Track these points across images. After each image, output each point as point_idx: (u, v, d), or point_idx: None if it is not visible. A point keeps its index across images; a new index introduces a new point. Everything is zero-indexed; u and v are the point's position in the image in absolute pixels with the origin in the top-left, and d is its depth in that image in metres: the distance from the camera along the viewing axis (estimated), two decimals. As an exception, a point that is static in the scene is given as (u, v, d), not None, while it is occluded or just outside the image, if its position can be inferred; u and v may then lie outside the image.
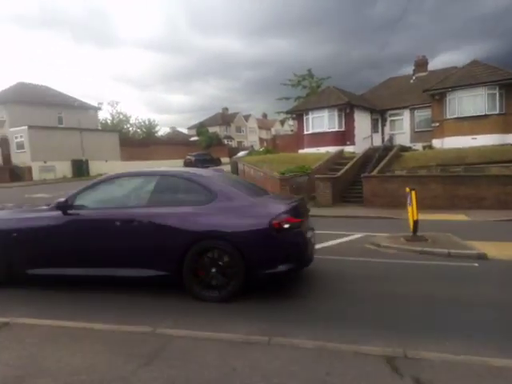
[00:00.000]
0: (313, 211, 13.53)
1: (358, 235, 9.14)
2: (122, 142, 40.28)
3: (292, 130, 48.21)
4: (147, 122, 64.08)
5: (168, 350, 3.36)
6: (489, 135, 19.45)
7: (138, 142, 46.07)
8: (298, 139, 26.46)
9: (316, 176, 15.84)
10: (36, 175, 32.02)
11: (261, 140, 68.15)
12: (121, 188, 5.57)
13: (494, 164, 15.07)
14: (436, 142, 21.96)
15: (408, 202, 8.17)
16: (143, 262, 4.86)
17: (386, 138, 26.05)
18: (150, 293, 5.09)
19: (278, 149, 30.91)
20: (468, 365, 3.09)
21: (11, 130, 33.48)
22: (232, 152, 46.32)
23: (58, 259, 5.17)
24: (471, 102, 20.58)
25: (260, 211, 4.73)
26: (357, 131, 24.00)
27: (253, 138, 71.73)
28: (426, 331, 3.94)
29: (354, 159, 18.35)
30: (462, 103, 20.85)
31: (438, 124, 21.93)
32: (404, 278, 6.00)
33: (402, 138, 25.20)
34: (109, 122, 60.31)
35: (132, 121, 64.24)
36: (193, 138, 58.11)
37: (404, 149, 21.00)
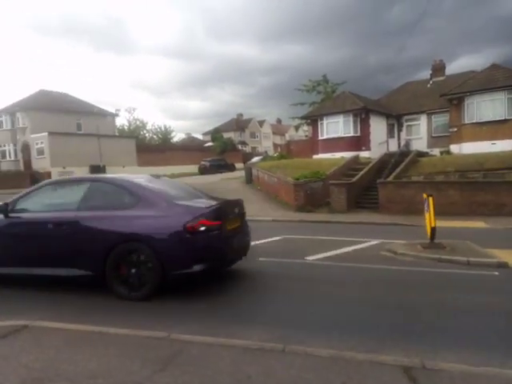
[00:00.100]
0: (327, 217, 13.63)
1: (373, 242, 9.02)
2: (138, 147, 40.93)
3: (306, 136, 48.10)
4: (163, 128, 65.06)
5: (182, 355, 3.37)
6: (509, 140, 18.99)
7: (154, 148, 46.69)
8: (312, 144, 26.38)
9: (331, 182, 15.74)
10: (55, 180, 32.77)
11: (275, 145, 68.21)
12: (57, 193, 5.96)
13: (514, 170, 14.67)
14: (454, 148, 21.56)
15: (425, 208, 8.02)
16: (72, 263, 5.20)
17: (403, 143, 25.73)
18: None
19: (292, 154, 30.87)
20: (488, 377, 3.00)
21: (32, 136, 34.44)
22: (246, 157, 46.46)
23: (3, 259, 5.58)
24: (490, 107, 20.16)
25: (177, 215, 4.96)
26: (372, 136, 23.79)
27: (267, 143, 71.85)
28: (445, 341, 3.84)
29: (370, 165, 18.16)
30: (480, 108, 20.45)
31: (455, 129, 21.54)
32: (422, 286, 5.88)
33: (419, 143, 24.85)
34: (126, 128, 61.47)
35: (148, 127, 65.38)
36: (207, 144, 58.58)
37: (421, 154, 20.68)
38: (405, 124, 26.42)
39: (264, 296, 5.42)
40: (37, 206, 5.66)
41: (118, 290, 5.02)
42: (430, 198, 7.85)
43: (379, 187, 14.92)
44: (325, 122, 24.62)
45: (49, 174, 32.62)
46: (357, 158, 21.02)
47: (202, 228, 4.87)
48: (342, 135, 23.89)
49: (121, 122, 60.39)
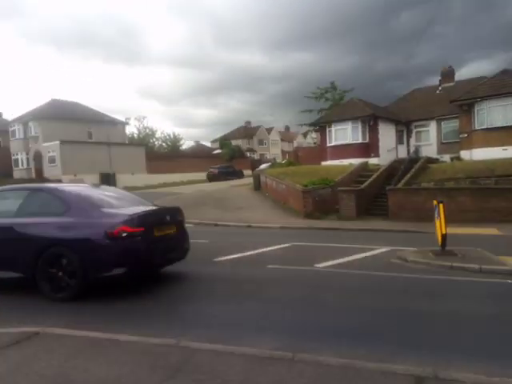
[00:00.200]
0: (336, 224, 13.56)
1: (383, 249, 8.93)
2: (147, 155, 41.36)
3: (315, 143, 48.10)
4: (172, 136, 65.77)
5: (191, 363, 3.36)
6: (520, 146, 18.71)
7: (163, 156, 47.15)
8: (320, 151, 26.34)
9: (339, 188, 15.67)
10: (66, 188, 33.21)
11: (283, 152, 68.32)
12: (2, 200, 6.28)
13: (527, 176, 14.44)
14: (464, 154, 21.34)
15: (436, 215, 7.94)
16: (9, 265, 5.64)
17: (412, 149, 25.54)
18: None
19: (300, 161, 30.87)
20: (504, 388, 2.93)
21: (44, 144, 35.05)
22: (254, 164, 46.57)
23: None
24: (501, 112, 19.92)
25: (101, 222, 5.34)
26: (381, 143, 23.67)
27: (275, 150, 71.99)
28: (458, 350, 3.77)
29: (379, 171, 18.05)
30: (491, 113, 20.22)
31: (466, 135, 21.33)
32: (433, 294, 5.79)
33: (429, 149, 24.63)
34: (136, 136, 62.20)
35: (158, 135, 66.13)
36: (216, 151, 58.94)
37: (431, 160, 20.49)
38: (414, 130, 26.24)
39: (272, 304, 5.39)
40: None
41: (44, 290, 5.40)
42: (441, 205, 7.77)
43: (389, 194, 14.81)
44: (333, 128, 24.59)
45: (60, 182, 33.14)
46: (366, 164, 20.92)
47: (124, 234, 5.26)
48: (351, 142, 23.82)
49: (131, 130, 61.09)
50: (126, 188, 34.27)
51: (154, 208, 6.44)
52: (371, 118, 23.39)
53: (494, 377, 3.07)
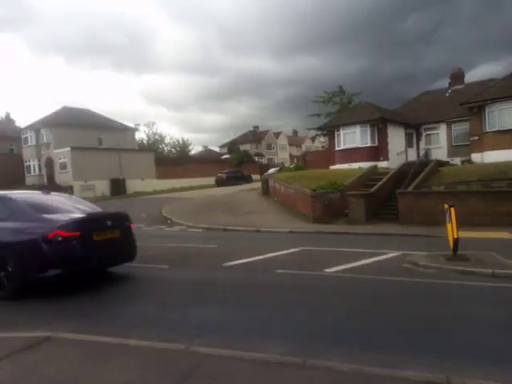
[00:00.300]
0: (345, 228, 13.47)
1: (393, 254, 8.84)
2: (157, 160, 41.68)
3: (323, 147, 48.00)
4: (181, 142, 66.16)
5: (201, 368, 3.36)
6: (533, 148, 18.43)
7: (172, 161, 47.45)
8: (329, 155, 26.27)
9: (348, 192, 15.58)
10: (77, 194, 33.62)
11: (291, 157, 68.22)
12: None
13: (540, 178, 14.19)
14: (475, 157, 21.08)
15: (447, 219, 7.83)
16: None
17: (422, 152, 25.31)
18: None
19: (308, 165, 30.80)
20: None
21: (55, 151, 35.58)
22: (263, 169, 46.60)
23: None
24: (513, 114, 19.66)
25: (38, 227, 5.81)
26: (390, 146, 23.52)
27: (283, 154, 71.96)
28: (470, 356, 3.70)
29: (388, 175, 17.92)
30: (502, 116, 19.97)
31: (476, 138, 21.09)
32: (445, 299, 5.70)
33: (439, 152, 24.40)
34: (145, 142, 62.77)
35: (167, 140, 66.62)
36: (224, 156, 59.15)
37: (441, 164, 20.27)
38: (424, 133, 26.03)
39: (282, 309, 5.36)
40: None
41: None
42: (452, 209, 7.66)
43: (399, 197, 14.68)
44: (341, 132, 24.52)
45: (71, 188, 33.54)
46: (375, 168, 20.79)
47: (59, 238, 5.72)
48: (360, 145, 23.72)
49: (140, 136, 61.53)
50: (136, 193, 34.69)
51: (94, 214, 6.89)
52: (380, 122, 23.27)
53: (509, 384, 3.01)
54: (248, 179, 41.04)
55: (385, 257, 8.59)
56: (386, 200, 16.15)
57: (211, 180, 40.83)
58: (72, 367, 3.45)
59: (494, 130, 20.15)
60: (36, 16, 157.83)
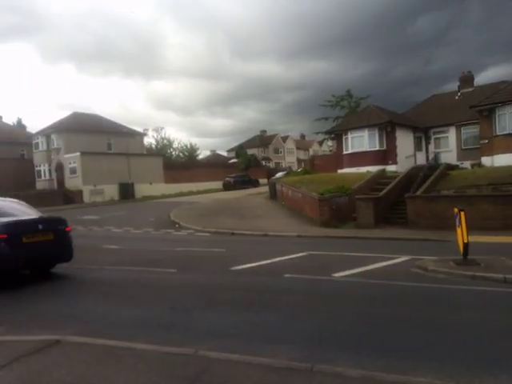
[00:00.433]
0: (353, 233, 13.39)
1: (402, 258, 8.75)
2: (165, 165, 41.94)
3: (331, 151, 47.89)
4: (189, 146, 66.45)
5: (209, 373, 3.35)
6: (545, 151, 18.16)
7: (180, 165, 47.70)
8: (337, 159, 26.18)
9: (357, 196, 15.49)
10: (86, 198, 34.00)
11: (299, 161, 68.17)
12: None
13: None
14: (485, 160, 20.83)
15: (457, 223, 7.74)
16: None
17: (431, 156, 25.09)
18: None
19: (316, 169, 30.72)
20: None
21: (65, 156, 36.02)
22: (270, 173, 46.60)
23: None
24: (524, 117, 19.41)
25: None
26: (399, 150, 23.36)
27: (291, 158, 71.94)
28: (481, 363, 3.64)
29: (397, 179, 17.78)
30: (513, 118, 19.72)
31: (486, 141, 20.84)
32: (455, 304, 5.63)
33: (448, 156, 24.16)
34: (154, 146, 63.22)
35: (175, 145, 66.93)
36: (232, 160, 59.31)
37: (451, 167, 20.08)
38: (433, 137, 25.82)
39: (290, 314, 5.33)
40: None
41: None
42: (462, 213, 7.57)
43: (408, 202, 14.55)
44: (349, 136, 24.43)
45: (80, 192, 33.93)
46: (383, 172, 20.65)
47: None
48: (368, 149, 23.60)
49: (149, 141, 61.87)
50: (144, 197, 34.93)
51: (24, 218, 7.27)
52: (388, 125, 23.15)
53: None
54: (255, 183, 41.09)
55: (394, 261, 8.51)
56: (394, 204, 16.02)
57: (219, 184, 40.95)
58: (80, 371, 3.47)
59: (504, 133, 19.90)
60: (47, 24, 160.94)
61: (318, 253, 9.81)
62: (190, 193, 38.05)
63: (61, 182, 36.76)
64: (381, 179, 18.96)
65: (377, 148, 23.42)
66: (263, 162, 62.47)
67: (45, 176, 38.73)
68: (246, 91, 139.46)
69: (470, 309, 5.40)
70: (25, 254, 6.82)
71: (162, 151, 59.07)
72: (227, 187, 38.96)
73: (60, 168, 36.97)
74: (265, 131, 75.02)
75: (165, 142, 65.81)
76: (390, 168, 22.12)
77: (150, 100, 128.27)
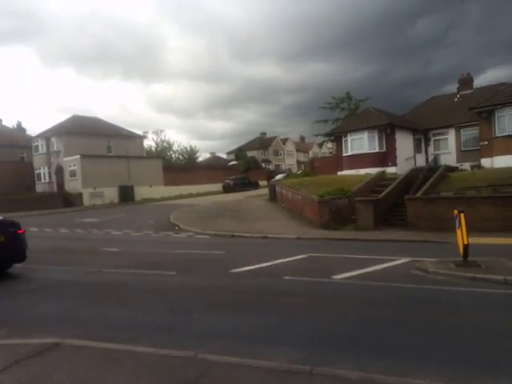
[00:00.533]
0: (353, 234, 13.39)
1: (402, 260, 8.75)
2: (165, 167, 41.97)
3: (330, 153, 47.91)
4: (189, 149, 66.56)
5: (209, 376, 3.35)
6: (544, 153, 18.17)
7: (180, 168, 47.73)
8: (336, 161, 26.20)
9: (356, 198, 15.50)
10: (86, 201, 34.01)
11: (298, 163, 68.18)
12: None
13: (552, 183, 13.97)
14: (485, 162, 20.85)
15: (456, 225, 7.74)
16: None
17: (430, 158, 25.12)
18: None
19: (316, 171, 30.75)
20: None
21: (65, 159, 36.04)
22: (270, 175, 46.64)
23: None
24: (523, 119, 19.45)
25: None
26: (398, 152, 23.39)
27: (290, 161, 71.94)
28: (481, 365, 3.64)
29: (397, 180, 17.80)
30: (512, 120, 19.75)
31: (486, 142, 20.86)
32: (455, 306, 5.62)
33: (448, 157, 24.19)
34: (153, 149, 63.27)
35: (175, 148, 67.05)
36: (232, 163, 59.34)
37: (450, 169, 20.10)
38: (432, 139, 25.85)
39: (289, 316, 5.33)
40: None
41: None
42: (462, 215, 7.57)
43: (407, 203, 14.56)
44: (349, 138, 24.47)
45: (80, 195, 33.93)
46: (383, 174, 20.67)
47: None
48: (367, 151, 23.63)
49: (148, 143, 61.90)
50: (144, 200, 34.92)
51: None
52: (388, 127, 23.19)
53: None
54: (255, 185, 41.11)
55: (394, 263, 8.50)
56: (394, 206, 16.02)
57: (218, 186, 40.96)
58: (80, 374, 3.46)
59: (504, 134, 19.93)
60: (47, 27, 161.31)
61: (318, 255, 9.80)
62: (190, 195, 38.05)
63: (60, 184, 36.77)
64: (380, 181, 18.97)
65: (376, 150, 23.44)
66: (263, 164, 62.47)
67: (44, 179, 38.74)
68: (245, 93, 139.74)
69: (470, 310, 5.39)
70: None
71: (161, 154, 59.11)
72: (227, 189, 38.98)
73: (60, 171, 36.98)
74: (264, 133, 75.07)
75: (164, 144, 65.93)
76: (390, 170, 22.15)
77: (149, 103, 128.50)
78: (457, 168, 21.71)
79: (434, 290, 6.38)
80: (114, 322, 5.18)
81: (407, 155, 24.17)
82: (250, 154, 62.52)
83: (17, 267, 8.67)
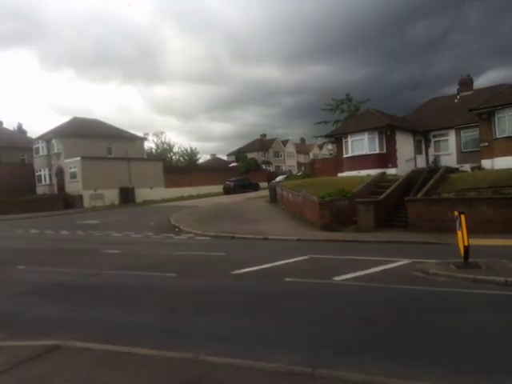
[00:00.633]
0: (354, 236, 13.38)
1: (403, 261, 8.73)
2: (165, 169, 41.97)
3: (331, 154, 47.92)
4: (189, 150, 66.58)
5: (210, 378, 3.34)
6: (545, 154, 18.17)
7: (181, 170, 47.74)
8: (337, 163, 26.20)
9: (357, 199, 15.48)
10: (86, 203, 33.99)
11: (299, 164, 68.17)
12: None
13: (552, 184, 13.96)
14: (485, 163, 20.84)
15: (457, 226, 7.73)
16: None
17: (431, 159, 25.12)
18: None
19: (316, 173, 30.74)
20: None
21: (66, 161, 36.05)
22: (270, 176, 46.60)
23: None
24: (523, 120, 19.45)
25: None
26: (399, 153, 23.40)
27: (291, 162, 71.95)
28: (484, 367, 3.63)
29: (397, 182, 17.79)
30: (512, 121, 19.76)
31: (486, 144, 20.86)
32: (456, 308, 5.61)
33: (448, 159, 24.19)
34: (154, 151, 63.31)
35: (175, 149, 67.07)
36: (232, 164, 59.34)
37: (451, 170, 20.08)
38: (432, 140, 25.86)
39: (290, 318, 5.32)
40: None
41: None
42: (462, 216, 7.56)
43: (408, 205, 14.54)
44: (349, 139, 24.48)
45: (81, 197, 33.92)
46: (383, 175, 20.66)
47: None
48: (368, 153, 23.63)
49: (149, 145, 61.93)
50: (145, 202, 34.91)
51: None
52: (388, 129, 23.20)
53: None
54: (255, 187, 41.09)
55: (394, 265, 8.49)
56: (394, 207, 16.00)
57: (219, 188, 40.94)
58: (81, 376, 3.45)
59: (504, 135, 19.93)
60: (47, 30, 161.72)
61: (319, 256, 9.79)
62: (190, 197, 38.04)
63: (61, 186, 36.77)
64: (381, 182, 18.96)
65: (377, 151, 23.44)
66: (263, 166, 62.50)
67: (45, 181, 38.74)
68: (245, 95, 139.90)
69: (471, 312, 5.38)
70: None
71: (162, 155, 59.14)
72: (227, 191, 38.96)
73: (60, 173, 36.99)
74: (265, 135, 75.11)
75: (165, 146, 65.95)
76: (390, 171, 22.14)
77: (150, 104, 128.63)
78: (457, 169, 21.70)
79: (435, 292, 6.37)
80: (115, 324, 5.17)
81: (407, 156, 24.18)
82: (250, 155, 62.54)
83: (18, 269, 8.69)
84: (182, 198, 36.93)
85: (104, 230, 17.77)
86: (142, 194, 36.84)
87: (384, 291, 6.48)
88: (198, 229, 16.15)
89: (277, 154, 71.87)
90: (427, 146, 26.06)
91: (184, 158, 65.50)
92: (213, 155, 76.29)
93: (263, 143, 71.82)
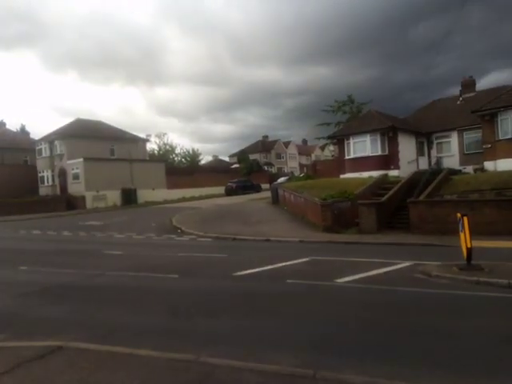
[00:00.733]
0: (356, 238, 13.37)
1: (405, 263, 8.71)
2: (167, 170, 42.03)
3: (333, 156, 47.90)
4: (191, 152, 66.65)
5: (211, 379, 3.34)
6: (548, 155, 18.10)
7: (183, 171, 47.78)
8: (339, 164, 26.18)
9: (359, 201, 15.45)
10: (89, 204, 34.07)
11: (301, 166, 68.19)
12: None
13: (556, 186, 13.90)
14: (488, 165, 20.78)
15: (460, 228, 7.71)
16: None
17: (433, 161, 25.07)
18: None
19: (318, 174, 30.72)
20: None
21: (68, 162, 36.17)
22: (272, 178, 46.61)
23: None
24: (526, 121, 19.40)
25: None
26: (401, 155, 23.36)
27: (293, 163, 71.97)
28: (485, 370, 3.61)
29: (399, 184, 17.75)
30: (515, 123, 19.70)
31: (489, 145, 20.80)
32: (459, 310, 5.59)
33: (451, 160, 24.14)
34: (156, 152, 63.41)
35: (177, 151, 67.11)
36: (234, 166, 59.38)
37: (453, 172, 20.03)
38: (435, 142, 25.82)
39: (292, 320, 5.31)
40: None
41: None
42: (465, 218, 7.54)
43: (410, 207, 14.51)
44: (351, 141, 24.46)
45: (83, 198, 34.00)
46: (385, 177, 20.63)
47: None
48: (370, 154, 23.60)
49: (151, 146, 61.96)
50: (147, 203, 34.97)
51: None
52: (390, 130, 23.18)
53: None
54: (257, 188, 41.10)
55: (396, 267, 8.47)
56: (397, 209, 15.96)
57: (221, 189, 40.97)
58: (83, 377, 3.46)
59: (507, 137, 19.87)
60: (50, 32, 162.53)
61: (321, 258, 9.78)
62: (193, 198, 38.06)
63: (64, 187, 36.87)
64: (383, 184, 18.92)
65: (379, 153, 23.42)
66: (265, 167, 62.51)
67: (48, 182, 38.86)
68: (247, 97, 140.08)
69: (474, 315, 5.36)
70: None
71: (164, 157, 59.23)
72: (229, 192, 38.98)
73: (63, 174, 37.10)
74: (267, 136, 75.18)
75: (167, 147, 66.03)
76: (393, 173, 22.11)
77: (152, 106, 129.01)
78: (460, 171, 21.64)
79: (438, 294, 6.35)
80: (117, 325, 5.18)
81: (410, 158, 24.13)
82: (252, 156, 62.58)
83: (20, 270, 8.71)
84: (183, 200, 36.96)
85: (106, 231, 17.81)
86: (144, 195, 36.89)
87: (386, 293, 6.46)
88: (200, 230, 16.16)
89: (279, 156, 71.89)
90: (429, 148, 26.02)
91: (186, 160, 65.57)
92: (215, 156, 76.42)
93: (265, 145, 71.86)
